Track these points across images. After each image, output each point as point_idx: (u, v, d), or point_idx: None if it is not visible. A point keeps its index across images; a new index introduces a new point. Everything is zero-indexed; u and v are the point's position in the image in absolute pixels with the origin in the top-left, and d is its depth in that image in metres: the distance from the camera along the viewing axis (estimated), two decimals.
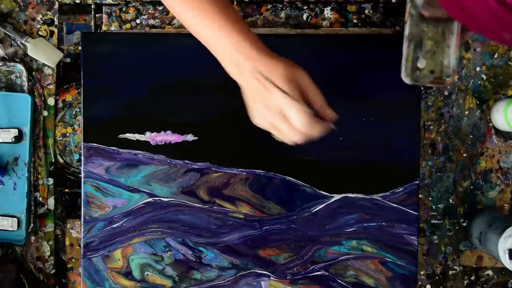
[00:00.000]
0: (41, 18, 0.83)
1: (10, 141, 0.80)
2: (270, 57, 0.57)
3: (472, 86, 0.83)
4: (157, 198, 0.71)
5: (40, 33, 0.83)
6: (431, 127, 0.83)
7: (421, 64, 0.67)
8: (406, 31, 0.66)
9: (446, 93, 0.83)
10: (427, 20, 0.65)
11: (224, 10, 0.58)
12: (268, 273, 0.72)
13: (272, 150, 0.71)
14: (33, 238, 0.83)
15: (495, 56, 0.83)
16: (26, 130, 0.81)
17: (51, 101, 0.83)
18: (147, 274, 0.72)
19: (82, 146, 0.71)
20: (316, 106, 0.58)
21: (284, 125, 0.57)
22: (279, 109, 0.56)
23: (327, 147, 0.71)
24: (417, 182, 0.71)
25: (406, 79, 0.67)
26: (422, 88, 0.83)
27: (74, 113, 0.84)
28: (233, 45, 0.58)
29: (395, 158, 0.71)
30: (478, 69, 0.83)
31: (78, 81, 0.83)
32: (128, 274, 0.71)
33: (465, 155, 0.84)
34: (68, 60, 0.84)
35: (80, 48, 0.80)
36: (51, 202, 0.83)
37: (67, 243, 0.84)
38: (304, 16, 0.80)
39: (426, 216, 0.84)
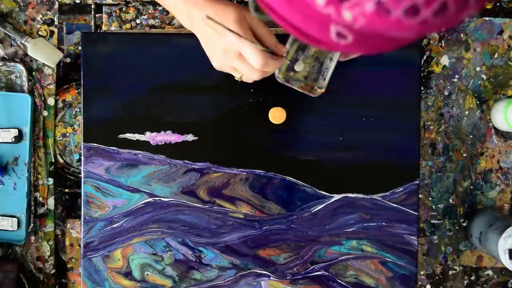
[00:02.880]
0: (41, 18, 0.83)
1: (10, 141, 0.80)
2: (218, 2, 0.58)
3: (472, 86, 0.83)
4: (157, 198, 0.71)
5: (40, 33, 0.83)
6: (431, 127, 0.83)
7: (298, 67, 0.67)
8: None
9: (446, 93, 0.83)
10: None
11: None
12: (268, 273, 0.72)
13: (272, 150, 0.71)
14: (33, 238, 0.83)
15: (495, 56, 0.83)
16: (26, 130, 0.81)
17: (51, 101, 0.83)
18: (147, 274, 0.72)
19: (82, 146, 0.71)
20: (268, 43, 0.59)
21: (242, 65, 0.58)
22: (235, 51, 0.57)
23: (327, 147, 0.71)
24: (417, 182, 0.71)
25: (278, 76, 0.66)
26: (422, 88, 0.83)
27: (74, 113, 0.84)
28: None
29: (395, 158, 0.71)
30: (478, 69, 0.83)
31: (78, 81, 0.83)
32: (128, 274, 0.71)
33: (465, 155, 0.84)
34: (68, 60, 0.84)
35: (80, 48, 0.80)
36: (51, 202, 0.83)
37: (67, 243, 0.84)
38: None
39: (426, 216, 0.84)
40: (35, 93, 0.82)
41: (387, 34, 0.33)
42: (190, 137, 0.71)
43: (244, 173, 0.71)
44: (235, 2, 0.60)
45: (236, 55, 0.58)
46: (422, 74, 0.82)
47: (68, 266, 0.84)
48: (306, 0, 0.32)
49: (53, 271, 0.83)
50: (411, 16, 0.29)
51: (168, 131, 0.71)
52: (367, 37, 0.34)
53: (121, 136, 0.71)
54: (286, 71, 0.67)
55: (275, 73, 0.66)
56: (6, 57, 0.82)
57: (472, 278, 0.84)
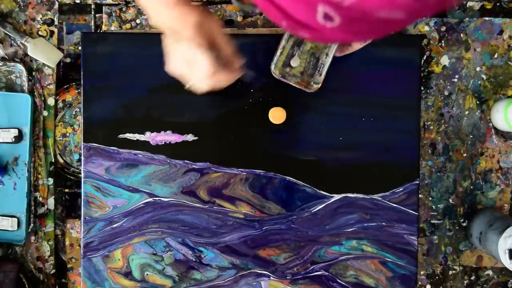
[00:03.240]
0: (41, 18, 0.83)
1: (10, 141, 0.80)
2: (187, 5, 0.57)
3: (472, 86, 0.83)
4: (157, 198, 0.71)
5: (40, 33, 0.83)
6: (431, 127, 0.83)
7: (294, 62, 0.67)
8: None
9: (446, 93, 0.83)
10: None
11: None
12: (268, 273, 0.72)
13: (272, 150, 0.71)
14: (33, 238, 0.83)
15: (495, 56, 0.83)
16: (26, 130, 0.81)
17: (51, 101, 0.83)
18: (147, 274, 0.72)
19: (82, 146, 0.71)
20: (225, 53, 0.59)
21: (192, 73, 0.58)
22: (187, 57, 0.57)
23: (327, 147, 0.71)
24: (417, 182, 0.71)
25: (274, 71, 0.66)
26: (422, 88, 0.83)
27: (74, 113, 0.84)
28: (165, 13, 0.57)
29: (395, 158, 0.71)
30: (478, 69, 0.83)
31: (78, 81, 0.83)
32: (128, 274, 0.71)
33: (465, 155, 0.84)
34: (68, 60, 0.84)
35: (80, 48, 0.80)
36: (51, 202, 0.83)
37: (67, 243, 0.84)
38: None
39: (426, 216, 0.84)
40: (35, 93, 0.82)
41: (375, 15, 0.32)
42: (190, 137, 0.71)
43: (244, 173, 0.71)
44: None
45: (187, 61, 0.57)
46: (422, 74, 0.82)
47: (68, 266, 0.84)
48: None
49: (53, 271, 0.83)
50: None
51: (168, 131, 0.71)
52: (354, 21, 0.33)
53: (121, 136, 0.71)
54: (282, 66, 0.67)
55: (271, 69, 0.66)
56: (6, 57, 0.82)
57: (472, 278, 0.84)
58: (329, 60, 0.66)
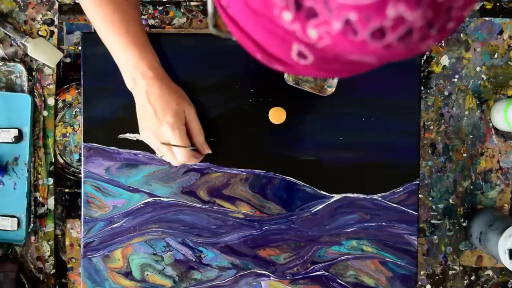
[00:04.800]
0: (41, 18, 0.83)
1: (10, 141, 0.80)
2: (164, 84, 0.63)
3: (472, 86, 0.83)
4: (157, 198, 0.71)
5: (40, 33, 0.83)
6: (431, 127, 0.83)
7: None
8: None
9: (446, 93, 0.83)
10: None
11: (127, 20, 0.61)
12: (268, 273, 0.72)
13: (272, 150, 0.71)
14: (33, 238, 0.83)
15: (495, 56, 0.83)
16: (26, 130, 0.81)
17: (51, 101, 0.83)
18: (147, 274, 0.72)
19: (82, 146, 0.71)
20: (196, 141, 0.65)
21: (166, 152, 0.64)
22: (165, 140, 0.63)
23: (327, 147, 0.71)
24: (417, 182, 0.71)
25: (288, 79, 0.67)
26: (422, 88, 0.83)
27: (74, 113, 0.84)
28: (130, 59, 0.62)
29: (395, 158, 0.71)
30: (478, 69, 0.83)
31: (78, 81, 0.83)
32: (128, 274, 0.71)
33: (465, 155, 0.84)
34: (68, 60, 0.84)
35: (80, 48, 0.80)
36: (51, 202, 0.83)
37: (67, 243, 0.84)
38: None
39: (426, 216, 0.84)
40: (35, 93, 0.82)
41: (348, 57, 0.33)
42: None
43: (244, 173, 0.71)
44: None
45: (163, 146, 0.63)
46: (422, 74, 0.82)
47: (68, 266, 0.84)
48: (273, 14, 0.31)
49: (53, 271, 0.83)
50: (377, 39, 0.29)
51: None
52: (326, 60, 0.34)
53: (121, 136, 0.71)
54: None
55: (285, 76, 0.67)
56: (6, 57, 0.82)
57: (472, 278, 0.84)
58: None
